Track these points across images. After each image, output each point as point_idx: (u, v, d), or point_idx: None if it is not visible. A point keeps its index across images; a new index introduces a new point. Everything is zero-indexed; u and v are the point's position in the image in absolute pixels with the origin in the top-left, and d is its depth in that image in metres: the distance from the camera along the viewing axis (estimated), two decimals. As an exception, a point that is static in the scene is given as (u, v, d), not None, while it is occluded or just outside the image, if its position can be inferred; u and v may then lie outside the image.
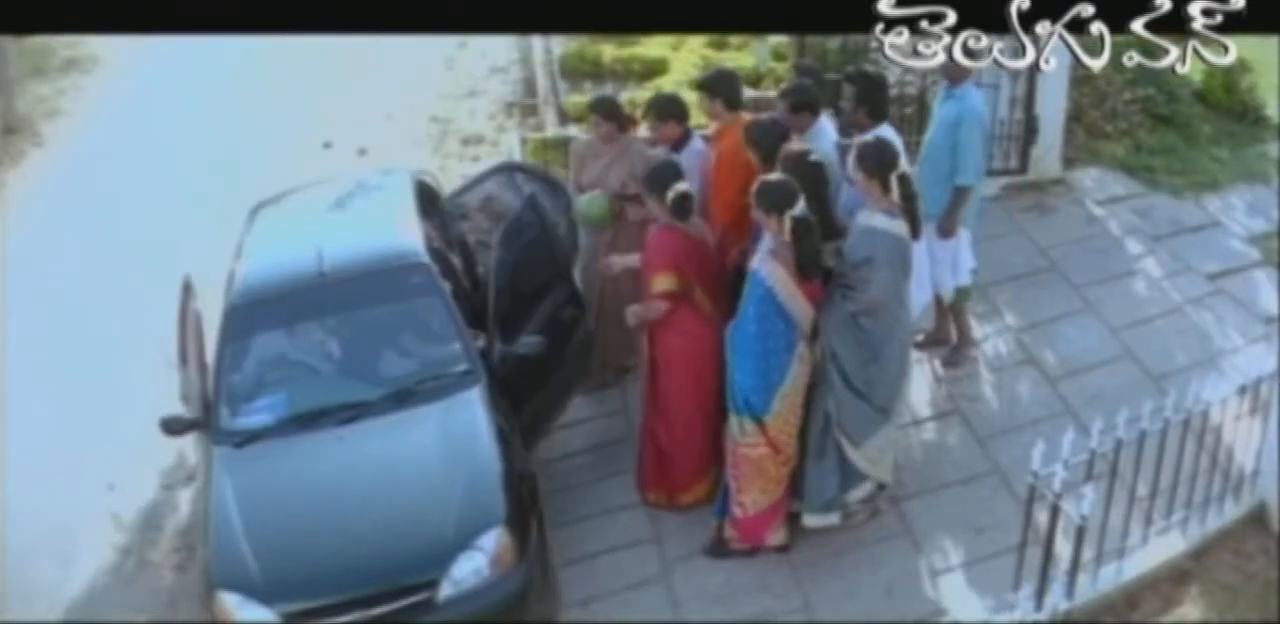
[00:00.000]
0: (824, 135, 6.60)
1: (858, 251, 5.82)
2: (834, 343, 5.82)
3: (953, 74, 6.73)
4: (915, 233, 5.89)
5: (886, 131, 6.56)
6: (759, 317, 5.77)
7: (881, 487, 6.17)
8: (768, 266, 5.77)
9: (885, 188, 5.81)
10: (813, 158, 6.07)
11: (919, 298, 6.65)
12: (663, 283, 6.16)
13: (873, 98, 6.57)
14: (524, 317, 6.58)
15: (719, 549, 6.22)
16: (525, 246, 6.75)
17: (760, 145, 6.28)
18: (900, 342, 5.96)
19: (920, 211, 5.94)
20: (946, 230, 6.83)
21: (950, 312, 7.23)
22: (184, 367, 6.58)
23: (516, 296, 6.59)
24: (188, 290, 6.93)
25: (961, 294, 7.13)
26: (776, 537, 6.14)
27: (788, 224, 5.70)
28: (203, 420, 6.26)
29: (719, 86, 6.80)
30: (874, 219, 5.82)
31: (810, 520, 6.10)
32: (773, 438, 5.87)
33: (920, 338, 7.30)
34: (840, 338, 5.82)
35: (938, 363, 7.26)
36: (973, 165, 6.74)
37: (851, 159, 5.97)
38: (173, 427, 6.26)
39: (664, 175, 6.20)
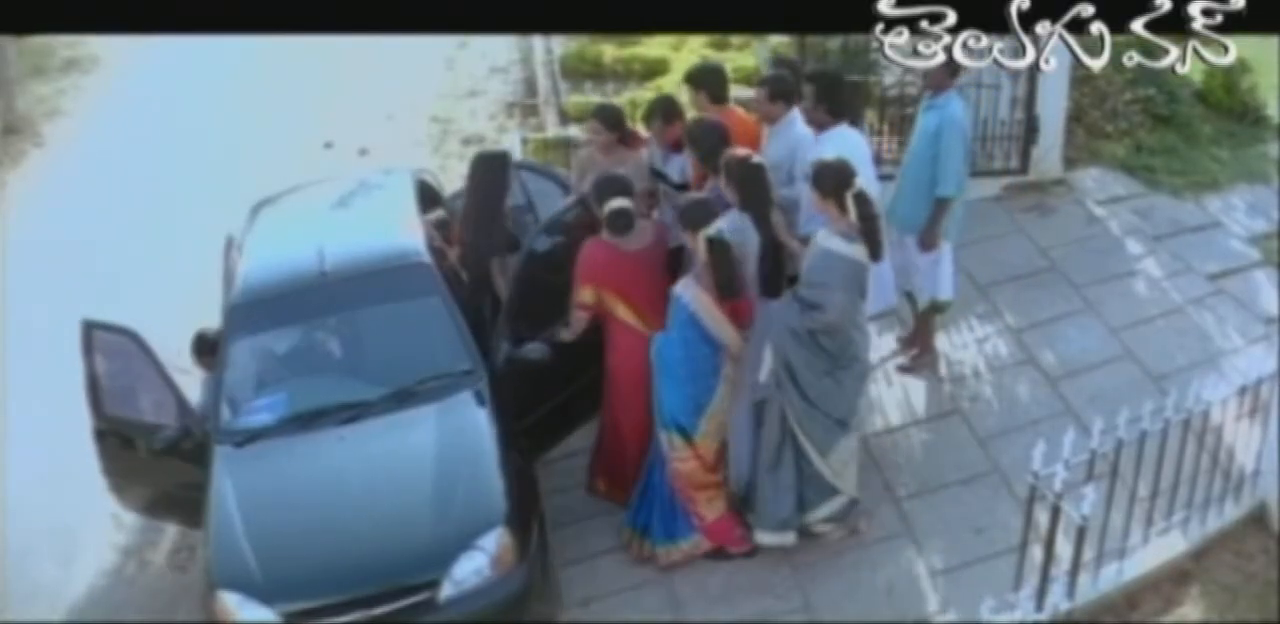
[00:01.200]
0: (795, 125, 6.62)
1: (814, 273, 5.78)
2: (790, 356, 5.80)
3: (936, 83, 6.71)
4: (875, 255, 5.79)
5: (847, 130, 6.54)
6: (684, 341, 5.79)
7: (854, 502, 6.13)
8: (690, 291, 5.78)
9: (841, 208, 5.73)
10: (754, 160, 6.08)
11: (884, 299, 6.64)
12: (579, 295, 6.17)
13: (832, 96, 6.53)
14: (554, 318, 6.47)
15: (720, 554, 6.21)
16: (565, 244, 6.59)
17: (699, 144, 6.37)
18: (860, 362, 5.93)
19: (882, 232, 5.86)
20: (928, 244, 6.80)
21: (921, 319, 7.21)
22: (99, 414, 6.46)
23: (550, 295, 6.47)
24: (90, 332, 6.52)
25: (940, 306, 7.10)
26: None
27: (702, 243, 5.70)
28: (195, 428, 6.24)
29: (704, 80, 6.92)
30: (831, 241, 5.75)
31: (763, 538, 6.09)
32: (700, 453, 5.93)
33: (903, 335, 7.36)
34: (797, 352, 5.79)
35: (939, 365, 7.27)
36: (954, 176, 6.69)
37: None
38: (154, 443, 6.25)
39: (605, 190, 6.16)
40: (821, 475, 5.94)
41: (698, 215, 5.79)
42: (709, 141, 6.34)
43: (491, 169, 6.82)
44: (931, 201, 6.71)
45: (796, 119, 6.64)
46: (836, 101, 6.56)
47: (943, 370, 7.24)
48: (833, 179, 5.76)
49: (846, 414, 5.92)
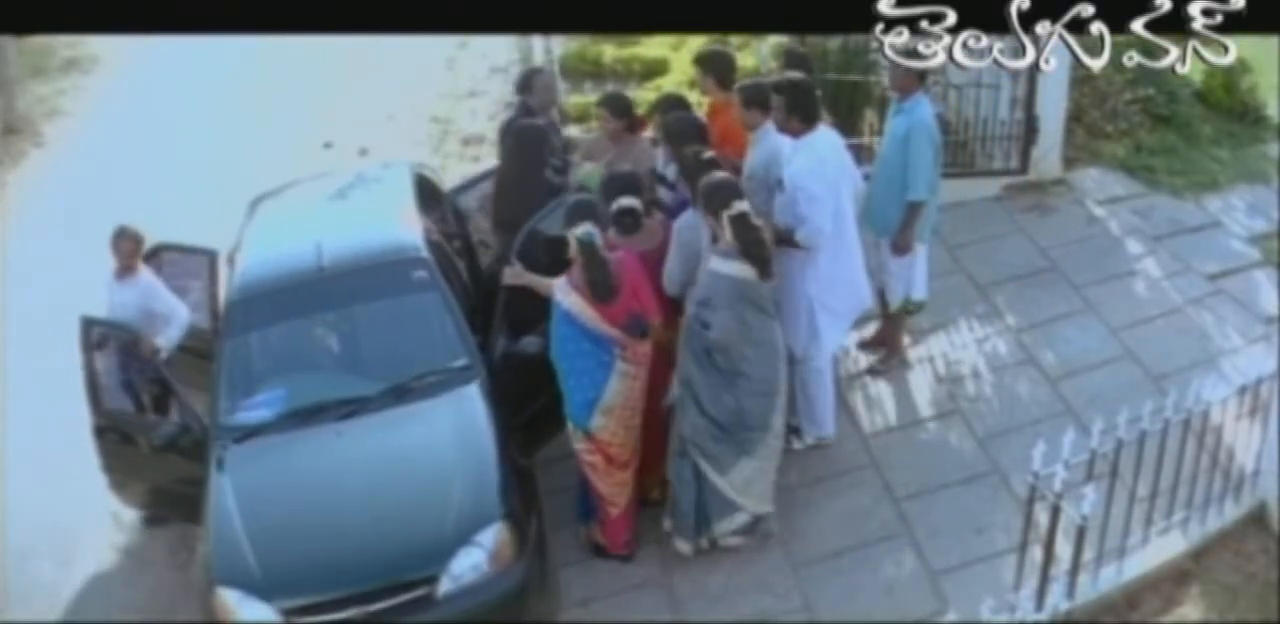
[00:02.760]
0: (770, 134, 6.53)
1: (701, 292, 5.79)
2: (691, 372, 5.84)
3: (902, 86, 6.68)
4: (764, 274, 5.74)
5: (825, 133, 6.43)
6: (562, 338, 5.82)
7: (759, 517, 6.11)
8: (561, 292, 5.79)
9: (721, 227, 5.72)
10: (705, 156, 6.06)
11: (859, 303, 6.62)
12: None
13: (801, 104, 6.39)
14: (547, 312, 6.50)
15: (600, 552, 6.28)
16: (559, 237, 6.61)
17: (672, 139, 6.42)
18: (757, 380, 5.85)
19: (769, 250, 5.80)
20: (901, 248, 6.79)
21: (890, 320, 7.21)
22: (98, 411, 6.48)
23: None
24: (89, 330, 6.61)
25: (914, 305, 7.09)
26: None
27: (574, 244, 5.69)
28: (196, 424, 6.25)
29: (713, 65, 7.04)
30: (712, 260, 5.77)
31: (677, 544, 6.14)
32: (602, 448, 5.92)
33: (866, 339, 7.38)
34: (696, 368, 5.82)
35: (938, 365, 7.27)
36: (924, 180, 6.65)
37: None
38: (153, 439, 6.25)
39: (613, 187, 6.13)
40: (721, 491, 5.96)
41: (573, 214, 5.76)
42: (682, 138, 6.34)
43: (530, 139, 7.03)
44: (903, 207, 6.69)
45: (771, 128, 6.55)
46: (807, 109, 6.42)
47: (942, 370, 7.24)
48: (712, 198, 5.73)
49: (750, 434, 5.89)
